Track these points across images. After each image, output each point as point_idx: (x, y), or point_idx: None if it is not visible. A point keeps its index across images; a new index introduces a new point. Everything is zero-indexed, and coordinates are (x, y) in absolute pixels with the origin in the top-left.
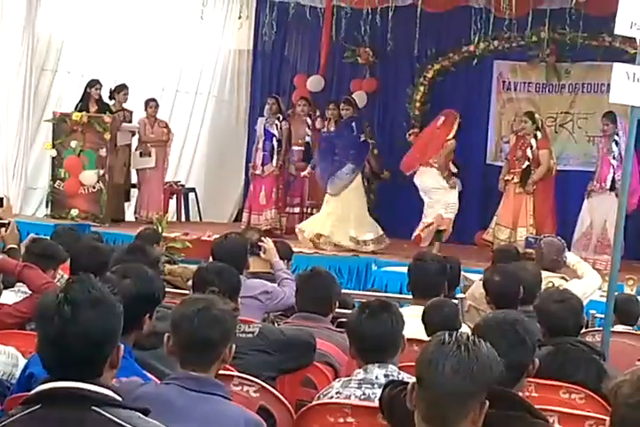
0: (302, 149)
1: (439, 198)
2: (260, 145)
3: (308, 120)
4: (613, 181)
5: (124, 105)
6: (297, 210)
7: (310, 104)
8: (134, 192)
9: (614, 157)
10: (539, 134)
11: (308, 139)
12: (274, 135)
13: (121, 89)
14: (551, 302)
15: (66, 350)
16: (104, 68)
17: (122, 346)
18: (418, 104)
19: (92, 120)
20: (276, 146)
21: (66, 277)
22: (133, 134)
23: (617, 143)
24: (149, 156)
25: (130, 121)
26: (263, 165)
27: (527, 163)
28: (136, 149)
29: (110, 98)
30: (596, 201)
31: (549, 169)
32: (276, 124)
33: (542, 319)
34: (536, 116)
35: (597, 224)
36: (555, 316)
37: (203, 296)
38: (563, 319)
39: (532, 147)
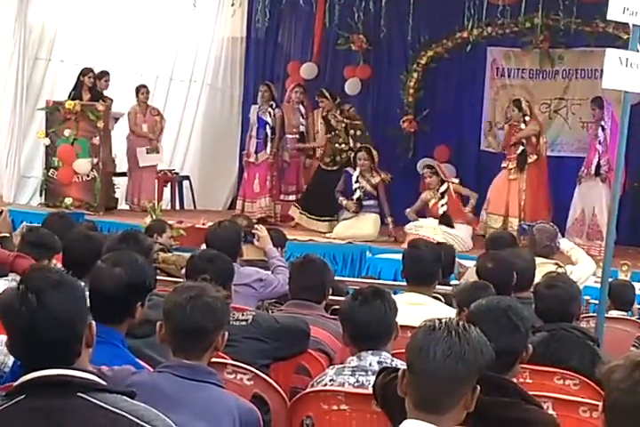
0: (297, 137)
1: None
2: (254, 133)
3: (301, 108)
4: (598, 166)
5: (106, 92)
6: (292, 197)
7: (305, 91)
8: (118, 180)
9: (600, 143)
10: (527, 119)
11: (302, 128)
12: (267, 123)
13: (102, 75)
14: (545, 288)
15: (40, 338)
16: (98, 57)
17: (93, 323)
18: (411, 91)
19: (85, 108)
20: (269, 133)
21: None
22: (116, 121)
23: (603, 128)
24: (157, 152)
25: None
26: (257, 152)
27: (522, 147)
28: (142, 146)
29: (95, 85)
30: (585, 187)
31: (535, 135)
32: (269, 112)
33: (537, 305)
34: (523, 103)
35: (588, 210)
36: (548, 301)
37: (195, 284)
38: (556, 305)
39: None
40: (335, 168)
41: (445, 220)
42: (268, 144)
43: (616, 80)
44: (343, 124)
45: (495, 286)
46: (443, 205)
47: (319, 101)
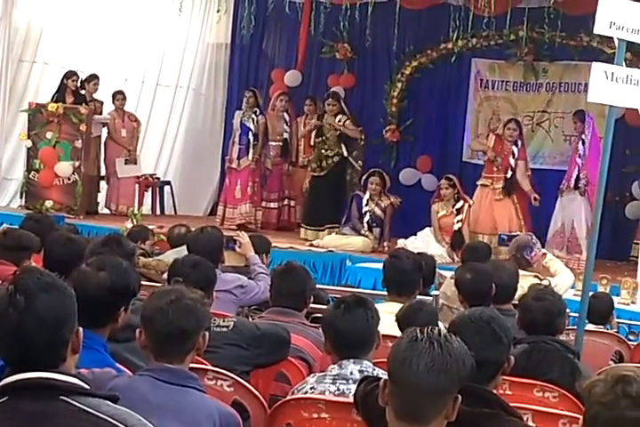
0: (280, 144)
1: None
2: (237, 139)
3: (286, 116)
4: (578, 179)
5: (94, 95)
6: (273, 205)
7: (290, 99)
8: (102, 184)
9: (579, 156)
10: (519, 143)
11: (285, 135)
12: (250, 129)
13: (91, 79)
14: (533, 300)
15: (26, 340)
16: (83, 60)
17: (80, 329)
18: (395, 100)
19: (68, 111)
20: (251, 140)
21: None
22: (104, 125)
23: (583, 142)
24: (135, 164)
25: (100, 112)
26: (239, 158)
27: (511, 173)
28: (120, 157)
29: (81, 88)
30: (565, 200)
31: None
32: (253, 118)
33: (523, 317)
34: (521, 124)
35: (567, 223)
36: (535, 313)
37: (171, 288)
38: (543, 318)
39: (514, 155)
40: (322, 173)
41: (457, 237)
42: (251, 150)
43: (601, 94)
44: (337, 133)
45: (473, 297)
46: (459, 222)
47: (328, 104)
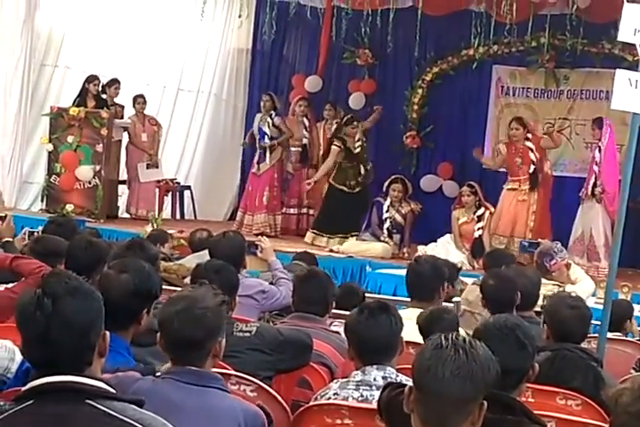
0: (299, 149)
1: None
2: (257, 144)
3: (305, 121)
4: (594, 186)
5: (116, 99)
6: (293, 211)
7: (310, 104)
8: (121, 188)
9: (596, 164)
10: (529, 136)
11: (305, 141)
12: (265, 133)
13: (112, 83)
14: (564, 308)
15: (53, 343)
16: (104, 64)
17: (107, 333)
18: (416, 107)
19: (90, 115)
20: (268, 142)
21: None
22: (125, 130)
23: (600, 149)
24: (156, 167)
25: (122, 116)
26: (259, 163)
27: (533, 166)
28: (142, 161)
29: (102, 92)
30: (585, 208)
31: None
32: (268, 122)
33: (551, 324)
34: (525, 120)
35: (586, 231)
36: (565, 322)
37: (186, 294)
38: (573, 326)
39: (532, 150)
40: (354, 191)
41: (478, 245)
42: (268, 155)
43: (625, 101)
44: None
45: (496, 304)
46: (479, 229)
47: (352, 127)
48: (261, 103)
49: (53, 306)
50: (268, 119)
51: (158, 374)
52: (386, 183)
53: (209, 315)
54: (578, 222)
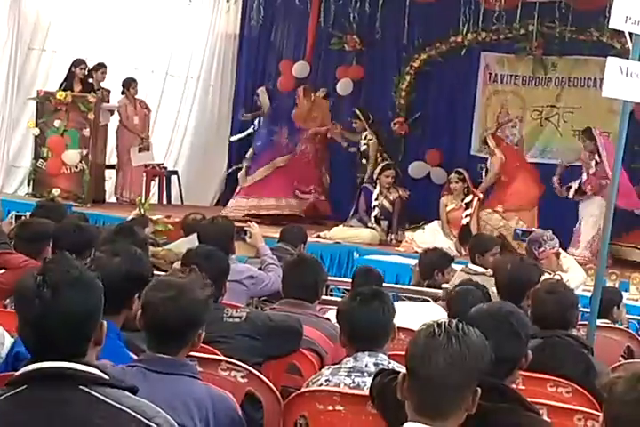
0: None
1: None
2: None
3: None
4: (579, 187)
5: (102, 84)
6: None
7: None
8: (108, 173)
9: (593, 174)
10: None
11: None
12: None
13: (99, 68)
14: (545, 293)
15: (48, 331)
16: (92, 49)
17: (105, 323)
18: (403, 93)
19: (76, 100)
20: None
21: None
22: (112, 113)
23: (597, 162)
24: (147, 150)
25: (108, 100)
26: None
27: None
28: (134, 145)
29: (89, 77)
30: (581, 205)
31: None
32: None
33: (535, 310)
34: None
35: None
36: (547, 307)
37: (176, 281)
38: (555, 311)
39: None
40: None
41: (466, 232)
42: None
43: (616, 89)
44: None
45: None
46: (467, 216)
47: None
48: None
49: (52, 296)
50: None
51: None
52: (376, 170)
53: (195, 307)
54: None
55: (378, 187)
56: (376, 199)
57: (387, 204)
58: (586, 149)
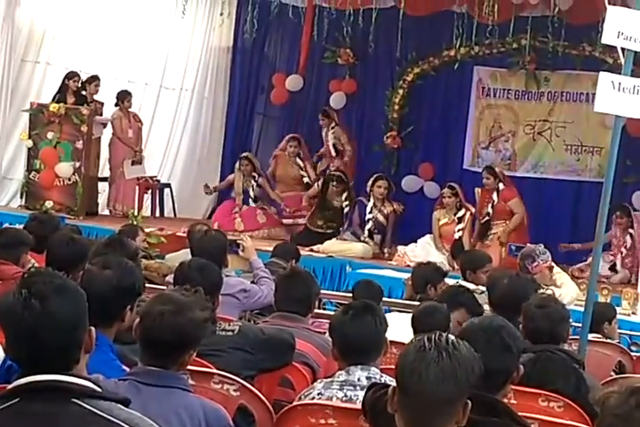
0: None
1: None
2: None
3: (299, 161)
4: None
5: (95, 96)
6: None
7: (300, 144)
8: (101, 186)
9: (625, 247)
10: (501, 186)
11: (306, 179)
12: (250, 196)
13: (92, 80)
14: (536, 308)
15: (42, 343)
16: (86, 61)
17: (93, 329)
18: (396, 107)
19: (70, 112)
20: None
21: (34, 262)
22: (105, 126)
23: (631, 236)
24: (140, 164)
25: (101, 113)
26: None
27: (487, 218)
28: (127, 158)
29: (82, 89)
30: None
31: (522, 218)
32: (253, 185)
33: (527, 324)
34: (496, 170)
35: None
36: (538, 321)
37: (179, 297)
38: (545, 325)
39: (493, 202)
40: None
41: (458, 246)
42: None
43: (608, 104)
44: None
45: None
46: (459, 231)
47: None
48: (237, 165)
49: (41, 306)
50: (253, 182)
51: None
52: (369, 182)
53: (191, 326)
54: None
55: (372, 200)
56: (370, 212)
57: (381, 217)
58: (619, 226)
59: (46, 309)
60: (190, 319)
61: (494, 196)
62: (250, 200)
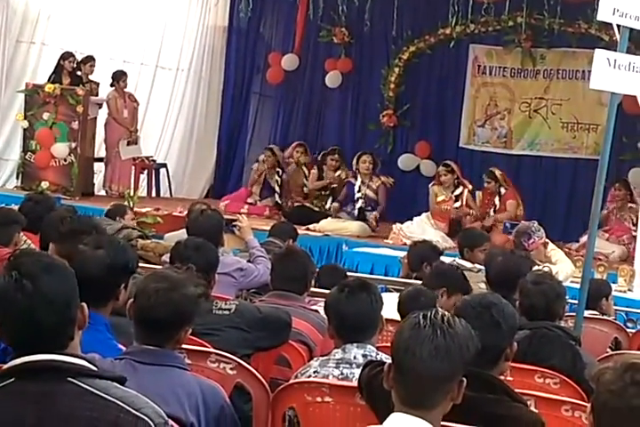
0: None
1: None
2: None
3: (305, 169)
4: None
5: (91, 77)
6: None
7: (306, 151)
8: (97, 166)
9: (633, 226)
10: (502, 191)
11: (305, 190)
12: (275, 191)
13: (87, 60)
14: (532, 284)
15: (37, 322)
16: (81, 41)
17: (84, 305)
18: (392, 86)
19: (65, 93)
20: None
21: (29, 242)
22: (100, 106)
23: (631, 209)
24: (135, 144)
25: (97, 93)
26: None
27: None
28: (123, 138)
29: (77, 69)
30: None
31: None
32: (277, 180)
33: (522, 301)
34: (497, 173)
35: None
36: (533, 298)
37: (170, 274)
38: (541, 302)
39: (495, 206)
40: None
41: (455, 224)
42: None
43: (604, 81)
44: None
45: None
46: (456, 209)
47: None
48: (262, 157)
49: (33, 286)
50: (276, 177)
51: None
52: (354, 161)
53: (185, 302)
54: None
55: (359, 178)
56: (359, 191)
57: (371, 193)
58: (616, 198)
59: (39, 288)
60: (184, 296)
61: (496, 200)
62: (276, 195)
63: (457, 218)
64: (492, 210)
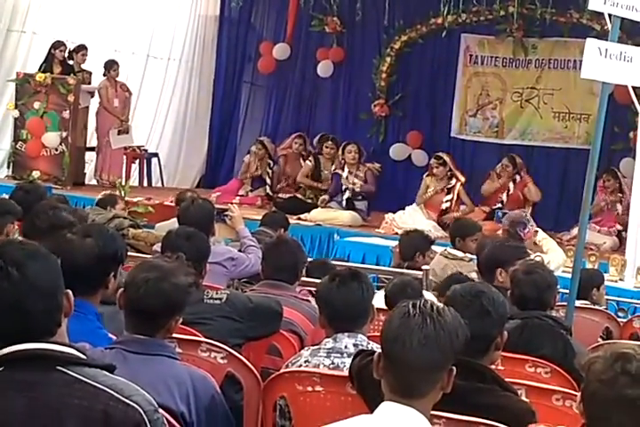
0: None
1: None
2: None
3: (302, 161)
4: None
5: (83, 66)
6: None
7: (305, 143)
8: (88, 155)
9: (618, 214)
10: (517, 178)
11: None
12: (267, 183)
13: (79, 49)
14: (523, 274)
15: (25, 310)
16: (72, 30)
17: (70, 291)
18: (384, 75)
19: (56, 82)
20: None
21: None
22: (92, 95)
23: (621, 201)
24: (126, 133)
25: (89, 82)
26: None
27: (499, 206)
28: (113, 127)
29: (69, 58)
30: None
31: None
32: (268, 173)
33: (513, 291)
34: (517, 160)
35: None
36: (524, 287)
37: (160, 264)
38: (532, 292)
39: (508, 190)
40: None
41: (444, 217)
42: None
43: (595, 70)
44: None
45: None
46: (447, 201)
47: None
48: (253, 148)
49: (19, 274)
50: (268, 170)
51: None
52: (339, 152)
53: (176, 291)
54: None
55: (346, 168)
56: (346, 178)
57: (358, 182)
58: (606, 188)
59: (25, 276)
60: (175, 285)
61: (510, 185)
62: (267, 186)
63: (447, 210)
64: (504, 194)
